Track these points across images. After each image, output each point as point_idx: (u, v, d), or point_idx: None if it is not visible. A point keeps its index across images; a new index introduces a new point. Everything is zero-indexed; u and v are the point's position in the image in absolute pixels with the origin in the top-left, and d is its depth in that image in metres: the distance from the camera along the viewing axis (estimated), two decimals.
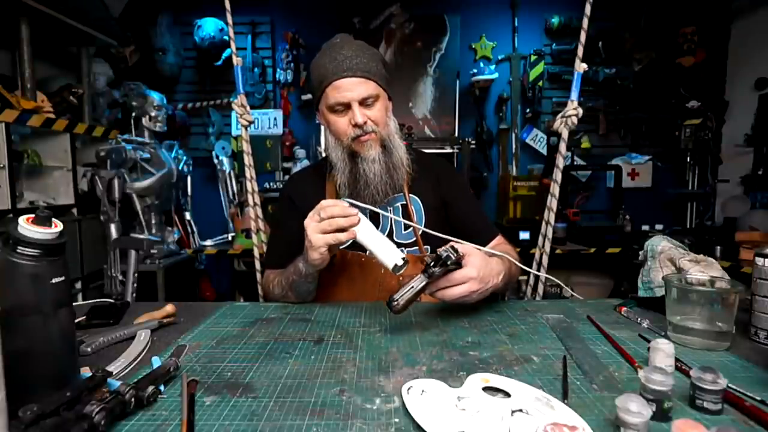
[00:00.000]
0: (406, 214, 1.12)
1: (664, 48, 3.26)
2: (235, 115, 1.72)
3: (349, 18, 3.27)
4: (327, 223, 0.87)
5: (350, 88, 1.02)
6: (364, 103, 1.04)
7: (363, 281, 1.08)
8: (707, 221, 3.27)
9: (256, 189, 1.54)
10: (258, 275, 1.53)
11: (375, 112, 1.05)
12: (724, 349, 0.73)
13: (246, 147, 1.52)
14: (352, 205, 0.92)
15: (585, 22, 1.39)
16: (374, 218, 1.13)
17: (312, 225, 0.89)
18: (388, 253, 0.86)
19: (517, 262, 1.03)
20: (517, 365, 0.68)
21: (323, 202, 0.90)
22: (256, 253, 1.53)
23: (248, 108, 1.49)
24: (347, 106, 1.04)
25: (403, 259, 0.85)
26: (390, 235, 1.12)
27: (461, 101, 3.34)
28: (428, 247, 1.13)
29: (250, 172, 1.53)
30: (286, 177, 3.25)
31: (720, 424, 0.46)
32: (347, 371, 0.66)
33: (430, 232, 0.99)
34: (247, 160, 1.52)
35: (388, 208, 1.13)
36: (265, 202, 3.13)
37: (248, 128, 1.51)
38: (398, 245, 1.11)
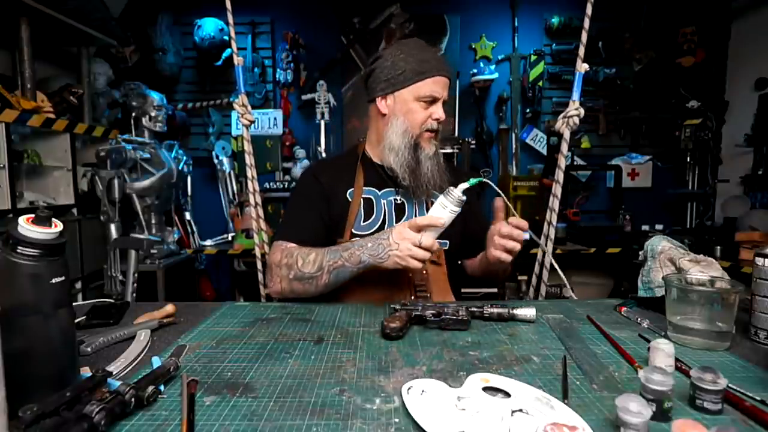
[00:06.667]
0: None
1: (664, 48, 3.25)
2: (235, 115, 1.72)
3: (349, 18, 3.27)
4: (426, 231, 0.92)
5: (444, 87, 1.12)
6: (444, 103, 1.14)
7: (398, 279, 1.09)
8: (707, 221, 3.26)
9: (257, 189, 1.54)
10: (259, 275, 1.53)
11: (444, 115, 1.14)
12: (724, 349, 0.73)
13: (247, 147, 1.52)
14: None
15: (586, 22, 1.39)
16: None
17: (407, 240, 0.91)
18: None
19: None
20: (517, 365, 0.68)
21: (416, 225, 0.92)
22: (257, 252, 1.53)
23: (249, 108, 1.50)
24: (433, 102, 1.11)
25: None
26: None
27: (461, 101, 3.33)
28: (446, 241, 1.15)
29: (251, 172, 1.53)
30: (286, 177, 3.27)
31: (720, 424, 0.46)
32: (347, 371, 0.66)
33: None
34: (249, 159, 1.52)
35: (431, 200, 1.16)
36: (266, 201, 3.13)
37: (249, 128, 1.51)
38: None
